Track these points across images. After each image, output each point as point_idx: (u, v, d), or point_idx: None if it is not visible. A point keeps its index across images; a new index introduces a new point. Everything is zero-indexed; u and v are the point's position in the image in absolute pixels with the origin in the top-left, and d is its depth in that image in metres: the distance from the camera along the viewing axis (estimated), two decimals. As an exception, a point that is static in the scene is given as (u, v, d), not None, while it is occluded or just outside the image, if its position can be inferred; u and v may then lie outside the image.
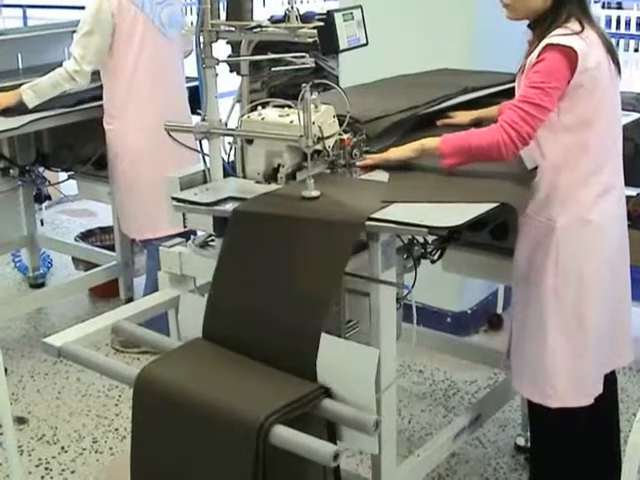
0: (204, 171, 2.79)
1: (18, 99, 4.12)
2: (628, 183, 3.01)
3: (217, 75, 2.74)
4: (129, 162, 4.26)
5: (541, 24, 2.73)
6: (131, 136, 4.21)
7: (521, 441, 3.67)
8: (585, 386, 2.87)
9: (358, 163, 2.78)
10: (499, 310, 4.73)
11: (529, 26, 2.80)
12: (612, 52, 2.78)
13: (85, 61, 4.08)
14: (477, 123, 3.05)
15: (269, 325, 2.39)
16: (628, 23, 12.84)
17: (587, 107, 2.72)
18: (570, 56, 2.62)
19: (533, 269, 2.84)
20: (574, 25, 2.69)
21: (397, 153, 2.76)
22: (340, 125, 2.75)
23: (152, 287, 3.97)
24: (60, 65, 4.15)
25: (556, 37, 2.65)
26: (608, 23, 12.67)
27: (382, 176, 2.73)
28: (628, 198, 3.06)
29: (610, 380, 2.99)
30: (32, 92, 4.11)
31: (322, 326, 2.30)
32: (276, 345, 2.35)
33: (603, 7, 13.47)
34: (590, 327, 2.81)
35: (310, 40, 2.57)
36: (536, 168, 2.77)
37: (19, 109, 4.11)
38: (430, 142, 2.71)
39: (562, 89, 2.64)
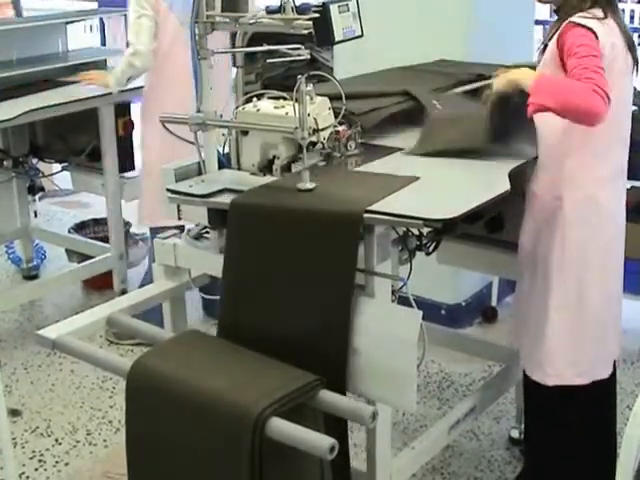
0: (199, 163, 2.79)
1: (105, 82, 4.26)
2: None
3: (212, 67, 2.73)
4: (150, 148, 4.23)
5: (566, 8, 2.76)
6: (154, 123, 4.18)
7: (515, 434, 3.67)
8: (582, 365, 2.89)
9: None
10: (493, 302, 4.73)
11: (555, 11, 2.84)
12: (631, 46, 2.81)
13: (139, 43, 4.08)
14: None
15: (289, 335, 2.41)
16: (622, 15, 12.85)
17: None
18: (595, 37, 2.64)
19: (540, 246, 2.86)
20: (597, 12, 2.72)
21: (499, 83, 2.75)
22: (335, 117, 2.75)
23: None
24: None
25: (578, 18, 2.68)
26: (603, 15, 12.66)
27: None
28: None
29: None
30: (113, 78, 4.22)
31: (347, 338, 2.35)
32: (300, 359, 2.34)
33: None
34: (591, 306, 2.84)
35: (305, 32, 2.57)
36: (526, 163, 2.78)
37: None
38: (526, 78, 2.64)
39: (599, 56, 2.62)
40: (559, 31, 2.70)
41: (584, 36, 2.64)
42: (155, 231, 4.36)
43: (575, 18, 2.69)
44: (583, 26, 2.65)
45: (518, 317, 3.05)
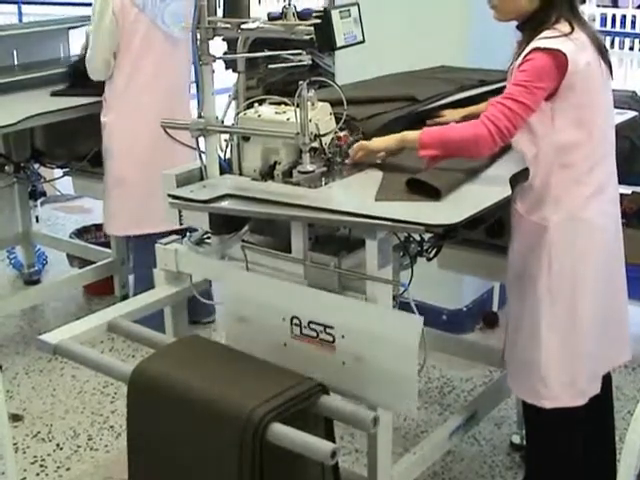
0: (200, 168, 2.79)
1: None
2: (623, 181, 3.00)
3: (214, 72, 2.74)
4: (120, 156, 4.27)
5: (530, 25, 2.72)
6: (125, 131, 4.23)
7: (517, 439, 3.67)
8: (579, 386, 2.86)
9: (348, 161, 2.78)
10: (495, 308, 4.73)
11: (518, 27, 2.79)
12: (603, 53, 2.77)
13: (94, 59, 4.18)
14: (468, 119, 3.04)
15: None
16: (623, 21, 12.86)
17: (579, 108, 2.71)
18: (558, 59, 2.61)
19: (527, 269, 2.84)
20: (564, 27, 2.67)
21: (378, 143, 2.74)
22: (337, 122, 2.75)
23: (144, 284, 3.96)
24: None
25: (544, 40, 2.64)
26: (603, 21, 12.69)
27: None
28: (623, 196, 3.06)
29: (604, 378, 2.98)
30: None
31: None
32: None
33: (598, 5, 13.47)
34: (584, 327, 2.81)
35: (307, 37, 2.57)
36: (527, 169, 2.77)
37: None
38: (412, 133, 2.68)
39: (547, 90, 2.63)
40: (525, 55, 2.65)
41: (538, 67, 2.60)
42: (136, 238, 4.41)
43: (541, 42, 2.63)
44: (550, 51, 2.60)
45: (507, 339, 3.02)
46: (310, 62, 2.74)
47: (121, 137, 4.25)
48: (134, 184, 4.23)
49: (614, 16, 12.90)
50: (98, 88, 4.28)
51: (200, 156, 2.79)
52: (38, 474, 3.56)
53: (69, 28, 5.22)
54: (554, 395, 2.85)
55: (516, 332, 2.92)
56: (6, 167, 4.70)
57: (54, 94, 4.42)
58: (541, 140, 2.74)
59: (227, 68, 4.50)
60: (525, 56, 2.65)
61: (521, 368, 2.92)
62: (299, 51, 2.70)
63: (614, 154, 2.89)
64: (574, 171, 2.76)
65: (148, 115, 4.12)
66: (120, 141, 4.25)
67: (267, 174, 2.73)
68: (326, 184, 2.65)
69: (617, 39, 12.34)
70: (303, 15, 2.60)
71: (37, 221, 5.39)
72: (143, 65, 4.19)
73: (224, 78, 4.27)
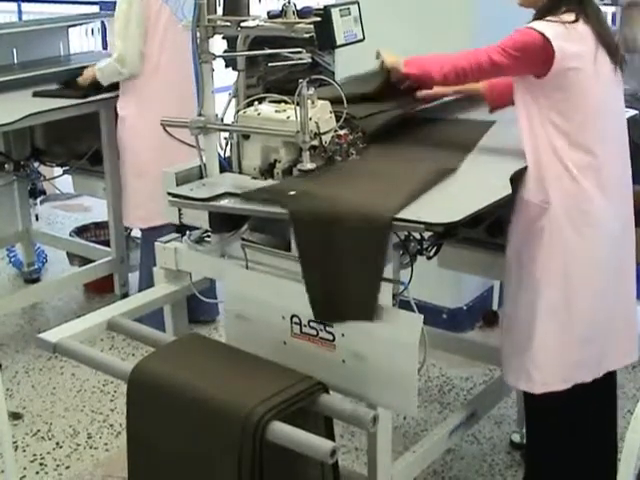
0: (200, 166, 2.79)
1: (93, 76, 4.29)
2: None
3: (213, 70, 2.74)
4: (140, 150, 4.26)
5: (539, 14, 2.77)
6: (149, 123, 4.19)
7: (516, 438, 3.67)
8: (565, 370, 2.86)
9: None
10: (495, 306, 4.73)
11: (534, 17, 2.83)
12: (611, 49, 2.78)
13: (127, 48, 4.14)
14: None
15: None
16: (623, 20, 12.84)
17: (570, 96, 2.73)
18: (542, 40, 2.65)
19: (525, 251, 2.84)
20: (567, 17, 2.72)
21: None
22: (337, 121, 2.75)
23: (148, 282, 3.96)
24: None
25: (538, 22, 2.71)
26: (603, 19, 12.67)
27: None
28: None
29: (609, 377, 2.98)
30: (101, 73, 4.27)
31: None
32: None
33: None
34: (578, 313, 2.81)
35: (307, 35, 2.57)
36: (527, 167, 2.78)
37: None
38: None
39: (524, 63, 2.70)
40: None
41: (522, 39, 2.69)
42: (147, 232, 4.38)
43: (534, 23, 2.72)
44: (537, 32, 2.66)
45: (503, 327, 3.04)
46: (310, 60, 2.76)
47: (142, 130, 4.21)
48: (156, 177, 4.20)
49: (614, 15, 12.88)
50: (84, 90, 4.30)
51: (200, 154, 2.79)
52: (38, 472, 3.56)
53: (69, 26, 5.22)
54: (544, 381, 2.85)
55: (513, 316, 2.93)
56: (6, 165, 4.70)
57: (36, 95, 4.36)
58: (534, 123, 2.76)
59: (227, 66, 4.49)
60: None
61: (515, 352, 2.92)
62: (299, 49, 2.70)
63: (625, 153, 2.90)
64: (567, 157, 2.76)
65: (170, 108, 4.11)
66: (141, 134, 4.23)
67: (267, 172, 2.73)
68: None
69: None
70: (303, 13, 2.60)
71: (37, 219, 5.39)
72: (165, 58, 4.20)
73: (224, 76, 4.27)
